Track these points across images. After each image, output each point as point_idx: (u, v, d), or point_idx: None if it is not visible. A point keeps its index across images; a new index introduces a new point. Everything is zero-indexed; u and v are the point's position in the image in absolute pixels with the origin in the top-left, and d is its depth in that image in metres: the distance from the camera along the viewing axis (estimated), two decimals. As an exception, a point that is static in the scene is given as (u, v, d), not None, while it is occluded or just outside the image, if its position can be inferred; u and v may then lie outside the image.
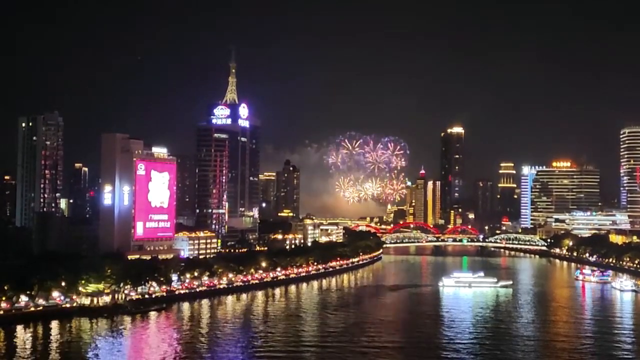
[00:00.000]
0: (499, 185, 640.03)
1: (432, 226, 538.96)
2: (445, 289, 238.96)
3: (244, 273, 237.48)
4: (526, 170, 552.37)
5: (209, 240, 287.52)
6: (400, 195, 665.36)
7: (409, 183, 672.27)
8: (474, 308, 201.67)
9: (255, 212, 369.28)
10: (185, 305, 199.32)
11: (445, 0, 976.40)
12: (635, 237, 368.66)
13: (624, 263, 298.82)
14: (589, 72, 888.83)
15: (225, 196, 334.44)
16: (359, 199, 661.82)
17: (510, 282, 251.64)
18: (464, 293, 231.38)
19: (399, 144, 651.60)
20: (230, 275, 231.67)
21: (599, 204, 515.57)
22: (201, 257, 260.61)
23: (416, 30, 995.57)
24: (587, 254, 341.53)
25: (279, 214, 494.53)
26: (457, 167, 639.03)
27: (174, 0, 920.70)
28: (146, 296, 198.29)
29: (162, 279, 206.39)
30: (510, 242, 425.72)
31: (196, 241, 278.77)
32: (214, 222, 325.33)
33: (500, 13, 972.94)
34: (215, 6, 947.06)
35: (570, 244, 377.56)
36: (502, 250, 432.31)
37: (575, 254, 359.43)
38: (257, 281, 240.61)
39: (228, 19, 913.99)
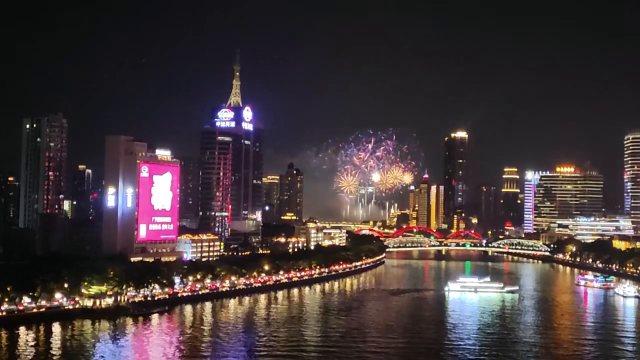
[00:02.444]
0: (503, 190, 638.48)
1: (435, 230, 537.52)
2: (451, 294, 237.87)
3: (247, 276, 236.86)
4: (530, 175, 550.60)
5: (211, 243, 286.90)
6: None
7: (412, 187, 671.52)
8: (480, 313, 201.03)
9: (258, 215, 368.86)
10: (188, 308, 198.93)
11: (448, 6, 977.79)
12: (638, 243, 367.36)
13: (627, 269, 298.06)
14: (593, 77, 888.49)
15: (228, 199, 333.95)
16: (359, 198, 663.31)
17: (517, 288, 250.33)
18: (470, 298, 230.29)
19: (403, 138, 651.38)
20: (233, 278, 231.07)
21: (603, 209, 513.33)
22: (204, 259, 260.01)
23: (418, 35, 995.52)
24: (591, 260, 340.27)
25: (282, 217, 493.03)
26: (460, 172, 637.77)
27: (178, 3, 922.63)
28: (149, 298, 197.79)
29: (164, 281, 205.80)
30: (514, 247, 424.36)
31: (199, 244, 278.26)
32: (217, 225, 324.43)
33: (504, 19, 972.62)
34: (220, 9, 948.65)
35: (574, 249, 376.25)
36: (505, 255, 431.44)
37: (578, 259, 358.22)
38: (259, 284, 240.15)
39: (233, 22, 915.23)
